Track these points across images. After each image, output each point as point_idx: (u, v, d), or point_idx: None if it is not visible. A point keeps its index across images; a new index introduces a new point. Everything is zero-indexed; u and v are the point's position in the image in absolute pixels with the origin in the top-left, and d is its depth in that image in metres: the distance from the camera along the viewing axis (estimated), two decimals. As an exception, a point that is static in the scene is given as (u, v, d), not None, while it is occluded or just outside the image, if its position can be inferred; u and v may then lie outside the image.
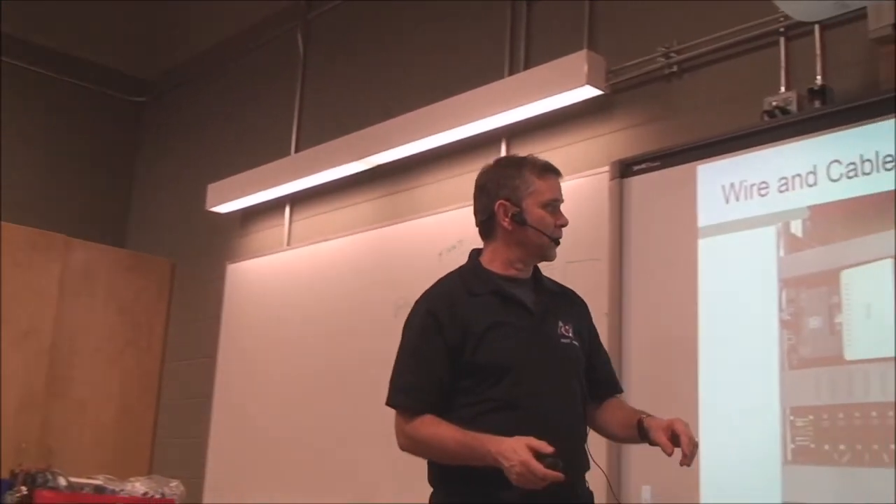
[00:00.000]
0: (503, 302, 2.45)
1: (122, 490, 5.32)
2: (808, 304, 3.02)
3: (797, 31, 3.42)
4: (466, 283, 2.50)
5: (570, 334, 2.48)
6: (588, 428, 2.52)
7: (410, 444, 2.41)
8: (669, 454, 2.26)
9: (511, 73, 4.43)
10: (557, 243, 2.53)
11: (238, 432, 5.35)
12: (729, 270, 3.26)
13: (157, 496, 5.07)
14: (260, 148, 5.79)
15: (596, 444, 3.38)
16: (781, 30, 3.45)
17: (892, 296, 2.83)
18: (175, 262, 6.51)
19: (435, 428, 2.34)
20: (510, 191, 2.48)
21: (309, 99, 5.73)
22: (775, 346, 3.07)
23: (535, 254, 2.52)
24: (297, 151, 5.60)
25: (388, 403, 2.44)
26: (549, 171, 2.54)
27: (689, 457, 2.23)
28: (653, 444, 2.32)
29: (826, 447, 2.89)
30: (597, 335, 2.66)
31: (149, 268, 6.51)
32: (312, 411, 4.86)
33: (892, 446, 2.74)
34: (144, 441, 6.25)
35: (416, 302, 2.51)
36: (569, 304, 2.59)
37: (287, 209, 5.58)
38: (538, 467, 2.12)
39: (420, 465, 4.06)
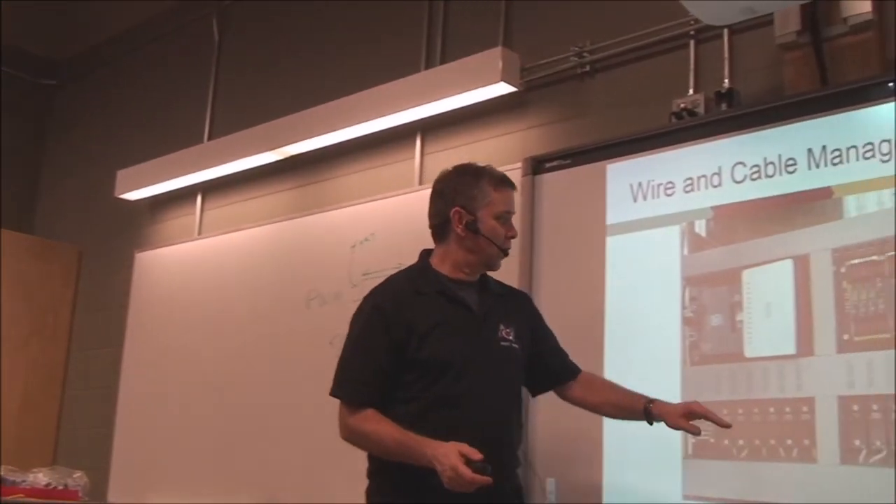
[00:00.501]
0: (449, 302, 2.59)
1: (23, 481, 5.22)
2: (710, 302, 3.09)
3: (706, 34, 3.49)
4: (414, 282, 2.62)
5: (511, 337, 2.63)
6: (521, 429, 2.73)
7: (351, 436, 2.53)
8: (698, 434, 2.60)
9: (427, 67, 4.44)
10: (505, 254, 2.68)
11: (144, 424, 5.26)
12: (635, 268, 3.31)
13: (60, 487, 4.99)
14: (172, 135, 5.71)
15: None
16: (691, 33, 3.53)
17: (791, 295, 2.91)
18: (82, 249, 6.38)
19: (376, 424, 2.47)
20: (466, 199, 2.62)
21: (223, 86, 5.66)
22: (678, 342, 3.14)
23: (482, 261, 2.67)
24: (209, 139, 5.54)
25: (332, 394, 2.57)
26: (505, 184, 2.68)
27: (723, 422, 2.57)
28: (671, 427, 2.60)
29: (725, 442, 2.96)
30: (544, 328, 2.84)
31: (55, 254, 6.36)
32: (220, 404, 4.81)
33: (789, 441, 2.82)
34: (48, 431, 6.12)
35: (365, 298, 2.63)
36: (513, 306, 2.74)
37: (198, 198, 5.51)
38: (466, 472, 2.24)
39: (331, 463, 4.10)
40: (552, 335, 2.86)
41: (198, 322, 5.08)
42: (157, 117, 6.04)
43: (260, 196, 5.14)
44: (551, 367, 2.82)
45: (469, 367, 2.52)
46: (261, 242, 4.88)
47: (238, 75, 5.59)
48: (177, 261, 5.36)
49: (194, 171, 5.29)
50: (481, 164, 2.72)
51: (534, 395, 2.89)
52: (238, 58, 5.65)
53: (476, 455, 2.26)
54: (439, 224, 2.68)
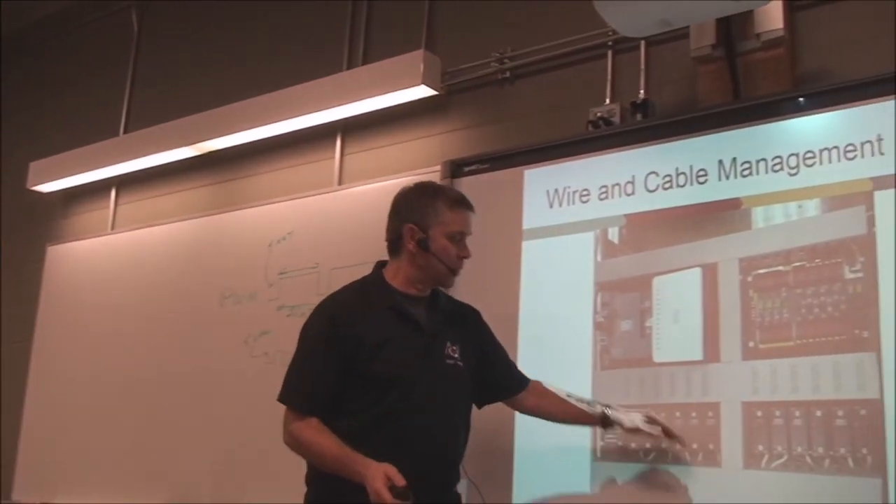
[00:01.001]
0: (398, 318, 2.63)
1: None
2: (621, 307, 3.15)
3: (624, 45, 3.56)
4: (367, 296, 2.66)
5: (456, 355, 2.68)
6: (464, 446, 2.75)
7: (293, 442, 2.56)
8: (658, 435, 2.81)
9: (349, 67, 4.44)
10: (455, 273, 2.72)
11: (53, 421, 5.14)
12: (550, 272, 3.35)
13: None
14: (87, 127, 5.60)
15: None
16: (610, 43, 3.59)
17: (699, 303, 2.98)
18: (-1, 241, 6.24)
19: (318, 435, 2.51)
20: (420, 217, 2.67)
21: (141, 79, 5.58)
22: (589, 346, 3.19)
23: (432, 278, 2.70)
24: (126, 132, 5.45)
25: (280, 399, 2.59)
26: (461, 205, 2.72)
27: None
28: (627, 430, 2.82)
29: (633, 445, 3.01)
30: (493, 342, 2.90)
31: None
32: (132, 402, 4.71)
33: (695, 445, 2.88)
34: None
35: (317, 307, 2.66)
36: (461, 323, 2.78)
37: (113, 192, 5.42)
38: (387, 497, 2.29)
39: (243, 463, 4.06)
40: (501, 348, 2.92)
41: (110, 318, 4.99)
42: (73, 108, 5.93)
43: (176, 192, 5.08)
44: (502, 381, 2.90)
45: (416, 384, 2.56)
46: (176, 239, 4.82)
47: (157, 68, 5.52)
48: (89, 255, 5.27)
49: (109, 165, 5.20)
50: (441, 183, 2.83)
51: (480, 406, 2.90)
52: (157, 50, 5.57)
53: (400, 481, 2.30)
54: (393, 239, 2.73)
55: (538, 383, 2.94)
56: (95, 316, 5.09)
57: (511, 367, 2.94)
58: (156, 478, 4.49)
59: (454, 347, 2.68)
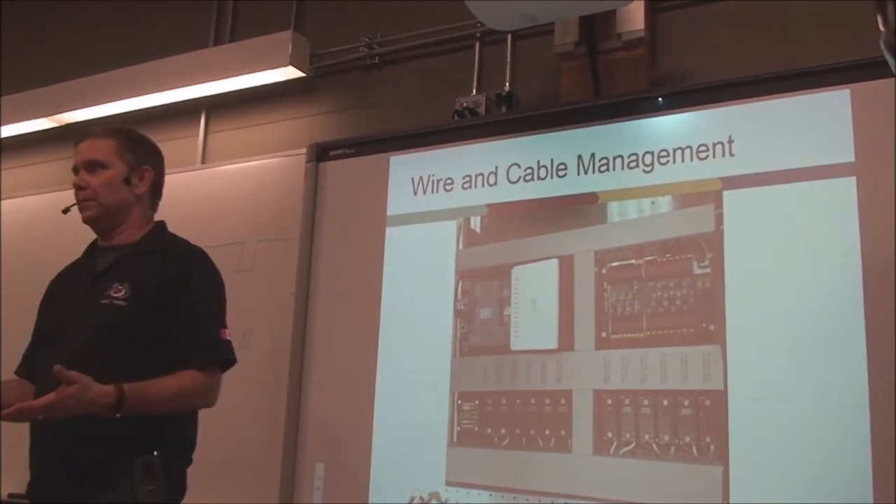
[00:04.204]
0: (75, 270, 2.60)
1: None
2: (481, 295, 3.21)
3: (492, 37, 3.61)
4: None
5: (120, 294, 2.36)
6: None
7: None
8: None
9: (216, 44, 4.38)
10: (80, 206, 2.53)
11: None
12: (412, 259, 3.39)
13: None
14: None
15: (274, 423, 3.45)
16: (478, 35, 3.64)
17: (555, 293, 3.06)
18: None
19: None
20: None
21: (1, 50, 5.37)
22: (449, 333, 3.24)
23: None
24: (-19, 99, 5.25)
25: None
26: (76, 142, 2.60)
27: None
28: None
29: (488, 430, 3.08)
30: (182, 300, 2.40)
31: None
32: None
33: (547, 432, 2.97)
34: None
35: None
36: (152, 263, 2.45)
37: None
38: None
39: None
40: (186, 313, 2.41)
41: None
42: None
43: (31, 164, 4.91)
44: (173, 347, 2.39)
45: (51, 338, 2.43)
46: (31, 214, 4.66)
47: (19, 35, 5.31)
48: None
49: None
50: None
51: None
52: (19, 17, 5.36)
53: None
54: None
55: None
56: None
57: (182, 336, 2.39)
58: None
59: (123, 286, 2.38)
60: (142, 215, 2.58)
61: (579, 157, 3.12)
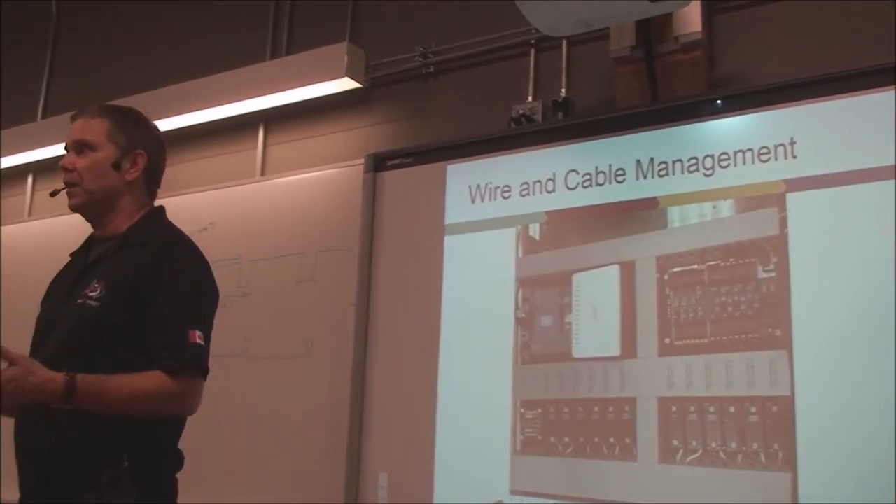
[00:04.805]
0: (72, 263, 2.45)
1: None
2: (542, 303, 3.20)
3: (547, 44, 3.60)
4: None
5: (94, 294, 2.21)
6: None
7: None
8: None
9: (273, 57, 4.41)
10: (67, 192, 2.36)
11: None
12: (471, 268, 3.38)
13: None
14: (4, 112, 5.48)
15: (337, 433, 3.47)
16: (533, 42, 3.62)
17: (617, 299, 3.04)
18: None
19: None
20: None
21: (60, 65, 5.47)
22: (510, 341, 3.23)
23: None
24: (44, 117, 5.34)
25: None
26: (75, 115, 2.42)
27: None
28: None
29: (552, 439, 3.07)
30: (152, 297, 2.19)
31: None
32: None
33: (612, 440, 2.95)
34: None
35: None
36: (132, 258, 2.26)
37: (30, 178, 5.31)
38: None
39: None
40: (163, 312, 2.19)
41: (30, 306, 4.87)
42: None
43: (96, 179, 4.99)
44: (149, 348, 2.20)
45: (40, 335, 2.31)
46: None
47: (77, 52, 5.42)
48: (6, 243, 5.15)
49: (27, 150, 5.08)
50: None
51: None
52: (77, 33, 5.46)
53: None
54: None
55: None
56: (16, 304, 4.97)
57: (156, 336, 2.17)
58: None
59: (99, 283, 2.22)
60: (133, 203, 2.38)
61: (638, 161, 3.09)
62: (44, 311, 2.39)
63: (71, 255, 2.47)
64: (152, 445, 2.20)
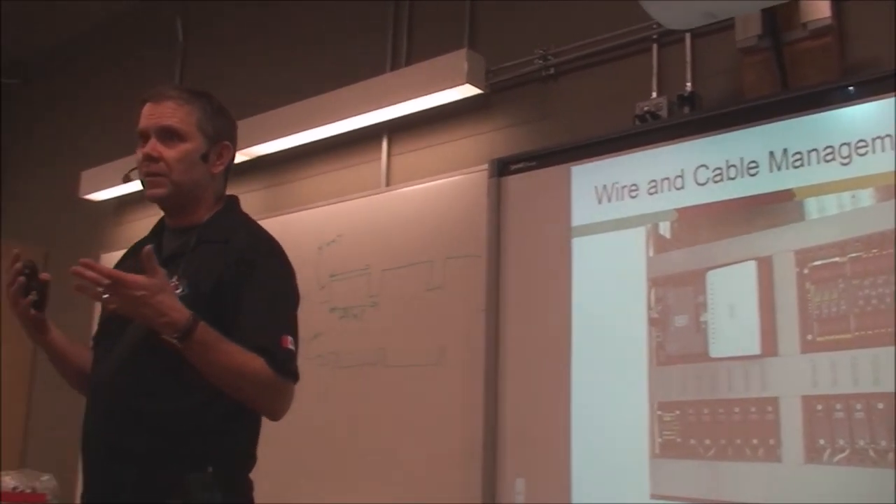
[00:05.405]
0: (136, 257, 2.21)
1: (-10, 485, 5.19)
2: (675, 302, 3.13)
3: (669, 38, 3.53)
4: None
5: (178, 291, 2.10)
6: (146, 400, 2.11)
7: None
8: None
9: (393, 68, 4.45)
10: (144, 183, 2.25)
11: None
12: (601, 269, 3.34)
13: (28, 491, 4.97)
14: (135, 135, 5.65)
15: (472, 438, 3.48)
16: (654, 37, 3.56)
17: (754, 296, 2.96)
18: (48, 250, 6.33)
19: None
20: None
21: (188, 86, 5.62)
22: (643, 343, 3.17)
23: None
24: (174, 140, 5.49)
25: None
26: (143, 99, 2.31)
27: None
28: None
29: (692, 441, 3.00)
30: (241, 301, 2.13)
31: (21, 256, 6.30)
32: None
33: (754, 441, 2.87)
34: (16, 434, 6.08)
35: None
36: (214, 256, 2.19)
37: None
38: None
39: (294, 466, 4.03)
40: (251, 305, 2.14)
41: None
42: (122, 117, 5.96)
43: (228, 197, 5.12)
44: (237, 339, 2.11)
45: (106, 330, 2.23)
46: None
47: (203, 75, 5.56)
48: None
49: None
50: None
51: None
52: (203, 58, 5.62)
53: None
54: None
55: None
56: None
57: (245, 326, 2.10)
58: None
59: (180, 281, 2.12)
60: (213, 195, 2.30)
61: (770, 153, 3.00)
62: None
63: (138, 242, 2.34)
64: (234, 449, 2.17)
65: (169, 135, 2.22)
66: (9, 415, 6.05)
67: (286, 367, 2.10)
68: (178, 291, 2.09)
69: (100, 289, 1.96)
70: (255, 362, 2.04)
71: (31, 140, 6.83)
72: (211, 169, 2.27)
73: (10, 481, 5.27)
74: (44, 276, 2.15)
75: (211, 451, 2.08)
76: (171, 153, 2.21)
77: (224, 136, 2.31)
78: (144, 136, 2.24)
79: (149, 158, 2.21)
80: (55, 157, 6.47)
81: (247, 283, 2.13)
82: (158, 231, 2.34)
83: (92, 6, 6.20)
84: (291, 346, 2.12)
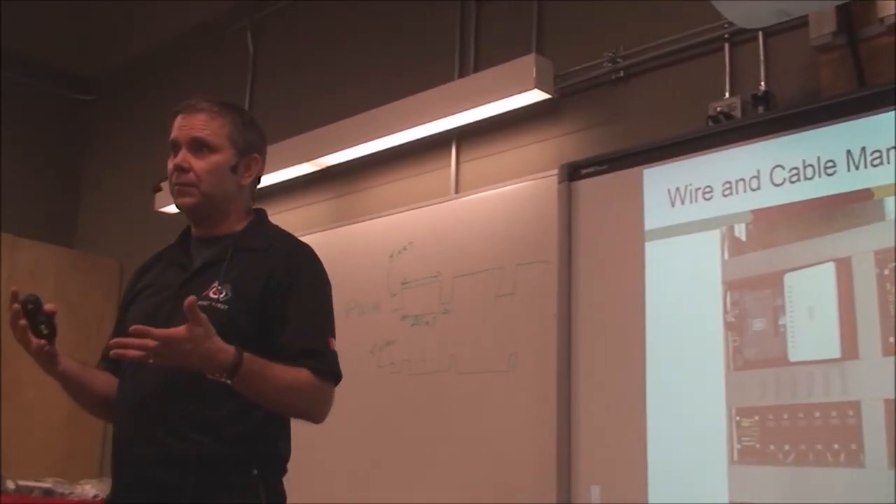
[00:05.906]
0: (168, 264, 2.38)
1: (71, 493, 5.30)
2: (752, 306, 3.08)
3: (741, 37, 3.48)
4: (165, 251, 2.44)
5: (219, 296, 2.18)
6: (191, 404, 2.15)
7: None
8: None
9: (461, 75, 4.45)
10: (173, 192, 2.30)
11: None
12: (675, 273, 3.30)
13: (108, 499, 5.04)
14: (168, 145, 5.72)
15: (546, 445, 3.45)
16: (726, 36, 3.51)
17: (833, 298, 2.89)
18: (123, 262, 6.45)
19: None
20: None
21: (258, 99, 5.70)
22: (720, 347, 3.12)
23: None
24: (246, 152, 5.56)
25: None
26: (176, 111, 2.33)
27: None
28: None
29: (771, 447, 2.94)
30: (287, 306, 2.21)
31: (96, 268, 6.43)
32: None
33: (836, 446, 2.80)
34: (94, 443, 6.19)
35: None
36: (256, 263, 2.26)
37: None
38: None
39: (370, 472, 4.05)
40: (296, 314, 2.22)
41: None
42: (194, 131, 6.07)
43: (298, 207, 5.16)
44: (278, 350, 2.17)
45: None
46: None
47: (273, 88, 5.63)
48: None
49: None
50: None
51: None
52: (272, 70, 5.68)
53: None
54: None
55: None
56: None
57: (289, 338, 2.18)
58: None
59: (222, 286, 2.18)
60: (242, 206, 2.38)
61: (848, 152, 2.93)
62: (144, 308, 2.30)
63: (163, 251, 2.43)
64: (273, 453, 2.23)
65: (200, 146, 2.27)
66: (88, 424, 6.15)
67: (332, 369, 2.20)
68: (221, 296, 2.17)
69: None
70: (300, 375, 2.13)
71: (106, 154, 6.97)
72: (240, 180, 2.33)
73: (90, 489, 5.37)
74: (48, 307, 2.20)
75: (254, 454, 2.16)
76: (201, 164, 2.26)
77: (254, 149, 2.36)
78: (175, 147, 2.30)
79: (179, 169, 2.27)
80: (130, 171, 6.58)
81: (294, 287, 2.22)
82: (184, 240, 2.40)
83: (163, 23, 6.31)
84: (335, 349, 2.22)
